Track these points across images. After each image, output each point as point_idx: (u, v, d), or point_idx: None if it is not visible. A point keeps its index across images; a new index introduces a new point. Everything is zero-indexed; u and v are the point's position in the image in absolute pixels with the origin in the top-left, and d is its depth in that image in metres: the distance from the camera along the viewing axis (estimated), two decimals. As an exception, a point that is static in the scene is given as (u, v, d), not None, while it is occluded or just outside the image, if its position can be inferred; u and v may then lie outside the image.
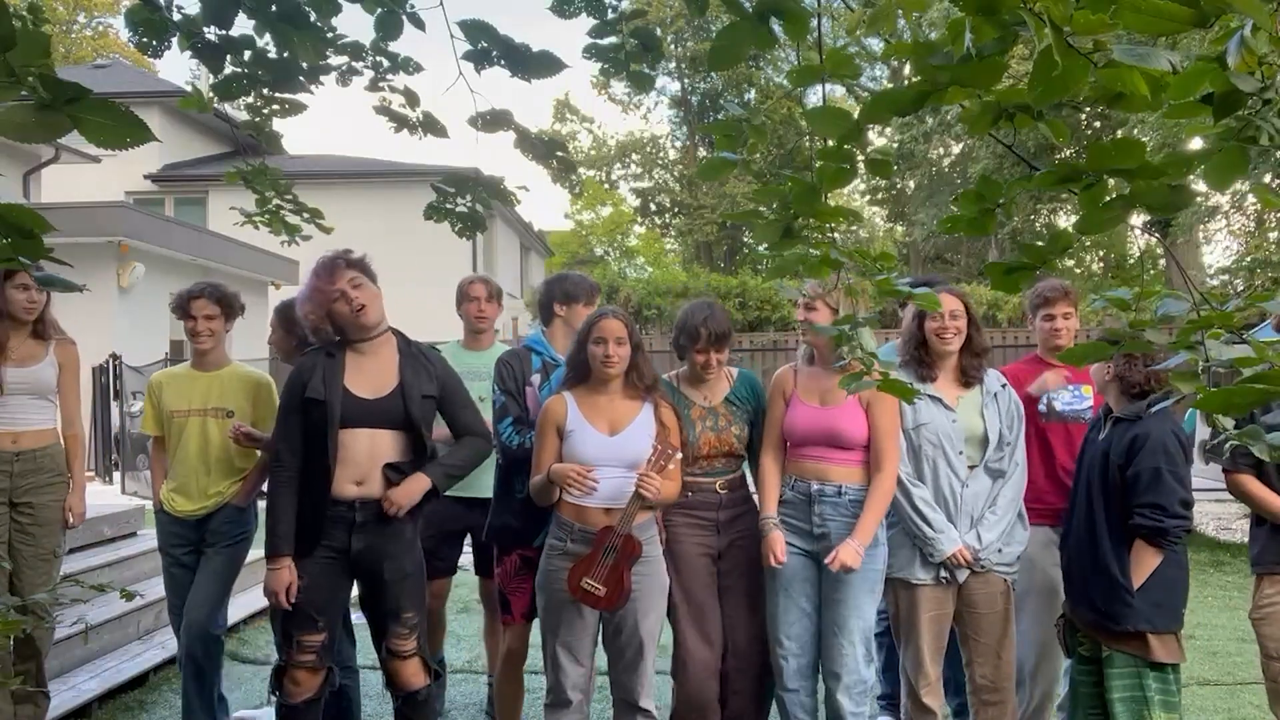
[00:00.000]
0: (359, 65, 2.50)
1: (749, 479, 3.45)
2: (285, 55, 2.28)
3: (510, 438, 3.38)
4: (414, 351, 3.17)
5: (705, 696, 3.22)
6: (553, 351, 3.54)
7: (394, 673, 3.12)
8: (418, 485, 3.03)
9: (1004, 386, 3.37)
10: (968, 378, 3.33)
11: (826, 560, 3.08)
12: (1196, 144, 1.33)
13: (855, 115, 1.40)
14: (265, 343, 4.15)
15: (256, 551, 3.75)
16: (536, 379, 3.48)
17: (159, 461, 3.87)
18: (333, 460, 2.98)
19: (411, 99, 2.58)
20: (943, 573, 3.20)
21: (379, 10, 2.30)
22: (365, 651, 4.69)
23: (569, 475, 2.95)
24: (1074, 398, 3.60)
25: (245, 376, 3.81)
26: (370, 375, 3.08)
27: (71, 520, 3.80)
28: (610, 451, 3.03)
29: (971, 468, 3.26)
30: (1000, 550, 3.22)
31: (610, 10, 2.43)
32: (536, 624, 3.64)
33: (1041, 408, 3.62)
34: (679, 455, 3.02)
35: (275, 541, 3.01)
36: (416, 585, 3.12)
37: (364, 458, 3.01)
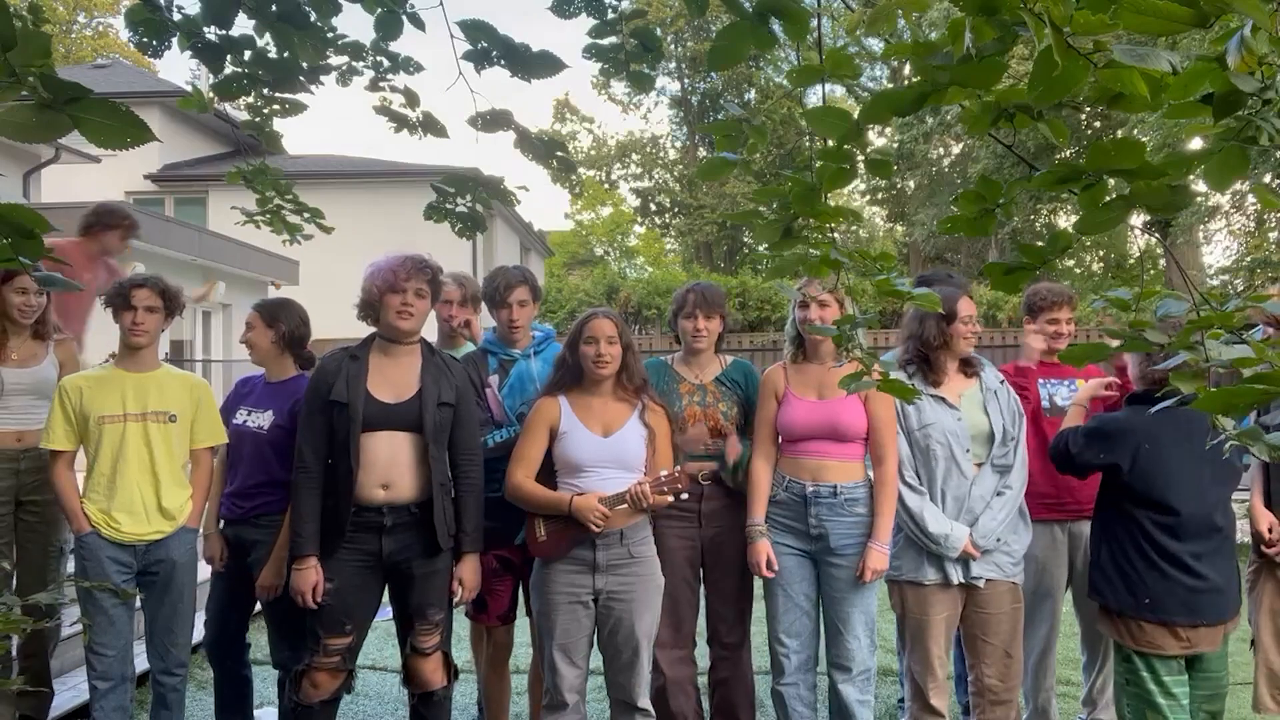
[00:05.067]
0: (359, 65, 2.50)
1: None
2: (285, 55, 2.29)
3: None
4: (436, 359, 3.19)
5: (676, 690, 3.29)
6: (506, 348, 3.58)
7: (414, 670, 3.13)
8: (473, 564, 3.17)
9: (1002, 383, 3.37)
10: (969, 370, 3.34)
11: (857, 573, 3.15)
12: (1196, 144, 1.33)
13: (855, 115, 1.40)
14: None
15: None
16: (495, 379, 3.53)
17: (71, 481, 3.37)
18: (355, 463, 3.00)
19: (411, 99, 2.59)
20: (951, 574, 3.18)
21: (379, 10, 2.31)
22: (366, 652, 4.70)
23: (593, 515, 2.96)
24: (1071, 393, 3.58)
25: (182, 378, 3.59)
26: (393, 380, 3.10)
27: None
28: (604, 452, 3.06)
29: (978, 465, 3.25)
30: (1005, 544, 3.20)
31: (610, 10, 2.43)
32: (522, 623, 3.63)
33: (1045, 404, 3.60)
34: (684, 496, 3.03)
35: (300, 542, 3.04)
36: (444, 583, 3.14)
37: (385, 461, 3.02)
